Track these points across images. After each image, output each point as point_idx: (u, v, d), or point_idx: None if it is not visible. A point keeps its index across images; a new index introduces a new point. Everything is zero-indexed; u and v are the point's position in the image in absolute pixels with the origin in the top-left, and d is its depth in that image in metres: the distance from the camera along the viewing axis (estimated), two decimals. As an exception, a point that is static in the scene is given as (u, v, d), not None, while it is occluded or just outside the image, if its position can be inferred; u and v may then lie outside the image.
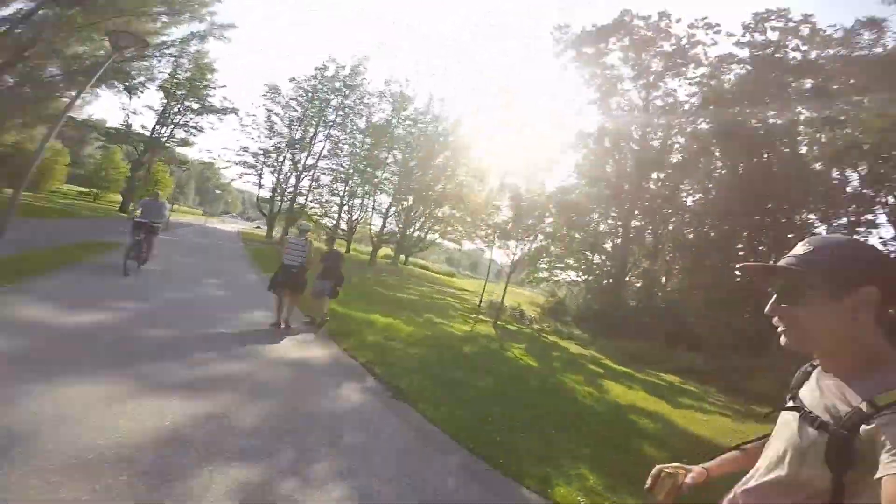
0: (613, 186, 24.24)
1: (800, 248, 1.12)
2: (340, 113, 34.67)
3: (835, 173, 20.19)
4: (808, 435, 1.05)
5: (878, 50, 17.71)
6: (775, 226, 20.24)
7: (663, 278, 23.50)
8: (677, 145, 23.78)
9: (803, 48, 19.02)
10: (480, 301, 21.64)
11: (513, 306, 22.56)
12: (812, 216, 20.48)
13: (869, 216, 19.40)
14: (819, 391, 1.11)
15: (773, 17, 19.64)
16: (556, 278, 24.01)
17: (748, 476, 1.24)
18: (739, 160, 21.10)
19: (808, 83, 18.60)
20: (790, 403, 1.19)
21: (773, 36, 19.78)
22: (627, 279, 23.41)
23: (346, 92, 34.44)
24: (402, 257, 43.54)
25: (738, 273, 1.20)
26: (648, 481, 1.43)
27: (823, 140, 20.56)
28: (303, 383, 5.68)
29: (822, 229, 19.55)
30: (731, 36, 22.00)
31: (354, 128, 35.30)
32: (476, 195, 30.89)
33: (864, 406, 0.95)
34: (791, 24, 19.14)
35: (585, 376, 10.75)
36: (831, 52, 18.40)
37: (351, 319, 10.42)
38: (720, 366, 14.41)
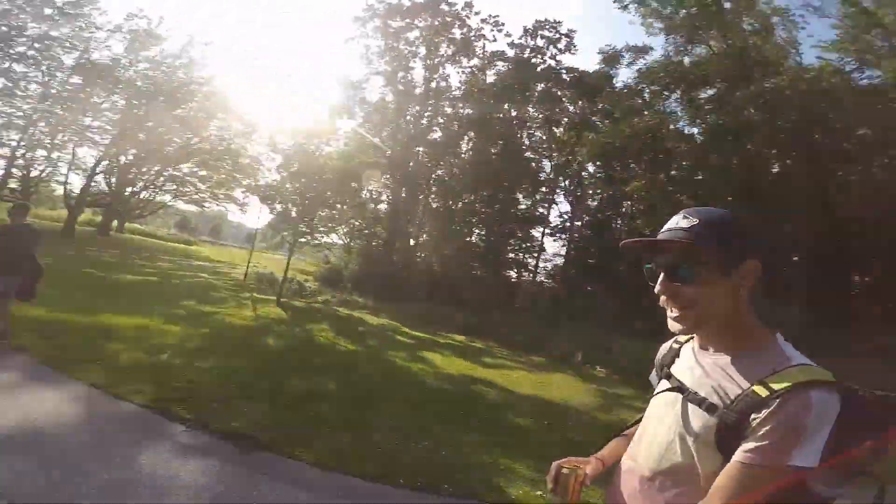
0: (385, 156, 24.50)
1: (682, 221, 1.05)
2: (38, 45, 22.30)
3: (546, 163, 26.10)
4: (696, 417, 1.00)
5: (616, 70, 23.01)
6: (500, 201, 24.60)
7: (422, 244, 25.57)
8: (441, 125, 25.84)
9: (558, 57, 23.36)
10: (246, 274, 18.40)
11: (284, 277, 20.08)
12: (520, 195, 25.81)
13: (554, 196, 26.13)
14: (701, 370, 1.07)
15: (547, 27, 23.33)
16: (329, 243, 22.83)
17: (629, 461, 1.20)
18: (487, 145, 24.57)
19: (540, 87, 23.18)
20: (666, 383, 1.15)
21: (540, 42, 23.54)
22: (398, 245, 24.49)
23: (60, 21, 22.22)
24: (115, 223, 32.70)
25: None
26: (549, 483, 1.30)
27: (539, 135, 26.15)
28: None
29: (525, 204, 25.03)
30: (509, 36, 25.10)
31: (56, 64, 23.37)
32: (237, 153, 25.65)
33: (757, 389, 0.92)
34: (556, 36, 23.23)
35: (406, 351, 10.45)
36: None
37: (73, 330, 6.75)
38: (487, 321, 16.82)
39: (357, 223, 22.84)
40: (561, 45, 23.36)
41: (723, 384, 0.99)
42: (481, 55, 24.15)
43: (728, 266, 1.02)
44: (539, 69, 23.39)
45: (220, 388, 5.54)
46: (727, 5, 14.98)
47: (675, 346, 1.25)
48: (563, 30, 23.47)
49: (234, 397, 5.27)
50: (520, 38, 23.86)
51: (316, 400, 5.70)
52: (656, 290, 1.08)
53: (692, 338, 1.18)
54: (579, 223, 25.15)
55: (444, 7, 23.61)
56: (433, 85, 25.24)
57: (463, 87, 25.16)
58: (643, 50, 18.05)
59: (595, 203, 25.92)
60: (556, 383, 10.00)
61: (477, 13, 24.14)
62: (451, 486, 3.95)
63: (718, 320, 1.04)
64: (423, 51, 24.82)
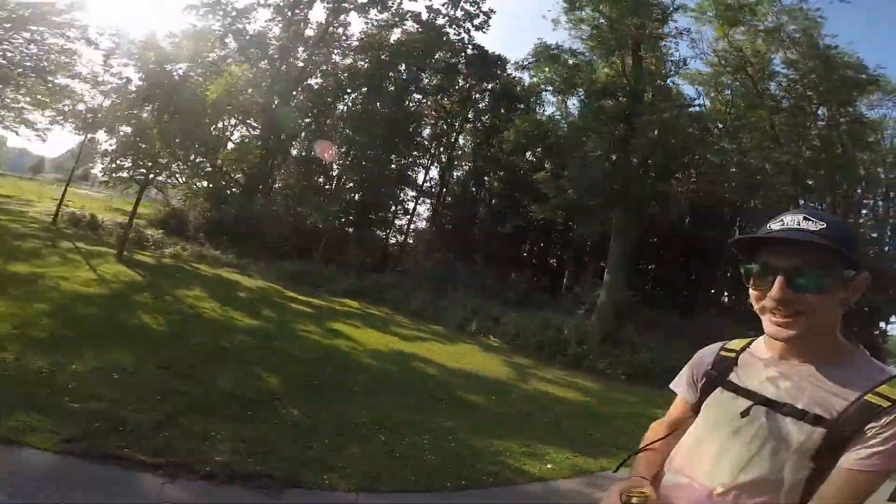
0: (255, 96, 20.88)
1: (805, 223, 0.95)
2: None
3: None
4: (796, 429, 0.95)
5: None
6: (379, 160, 23.57)
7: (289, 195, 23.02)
8: (328, 72, 23.40)
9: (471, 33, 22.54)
10: (56, 214, 13.72)
11: (100, 219, 15.43)
12: (395, 156, 25.13)
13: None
14: (789, 381, 1.00)
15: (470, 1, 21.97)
16: (175, 183, 18.55)
17: (679, 477, 1.11)
18: (375, 103, 23.17)
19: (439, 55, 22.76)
20: (729, 394, 1.08)
21: (459, 14, 22.07)
22: (259, 194, 21.32)
23: None
24: None
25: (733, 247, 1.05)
26: None
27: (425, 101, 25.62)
28: None
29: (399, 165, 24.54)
30: None
31: None
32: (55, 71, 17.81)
33: (871, 399, 0.90)
34: (476, 11, 22.22)
35: (313, 323, 9.34)
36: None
37: None
38: (373, 286, 16.14)
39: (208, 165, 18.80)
40: (477, 22, 22.60)
41: (823, 395, 0.95)
42: (393, 11, 21.83)
43: (848, 277, 0.96)
44: (446, 38, 22.42)
45: (138, 402, 3.99)
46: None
47: (726, 354, 1.16)
48: (485, 7, 22.80)
49: (173, 415, 3.87)
50: (443, 4, 22.37)
51: (286, 405, 4.67)
52: (771, 295, 0.95)
53: (747, 346, 1.13)
54: (445, 190, 25.96)
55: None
56: (330, 30, 21.87)
57: (363, 39, 22.60)
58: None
59: (461, 175, 27.15)
60: (467, 354, 10.39)
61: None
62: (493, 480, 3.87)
63: (825, 330, 0.99)
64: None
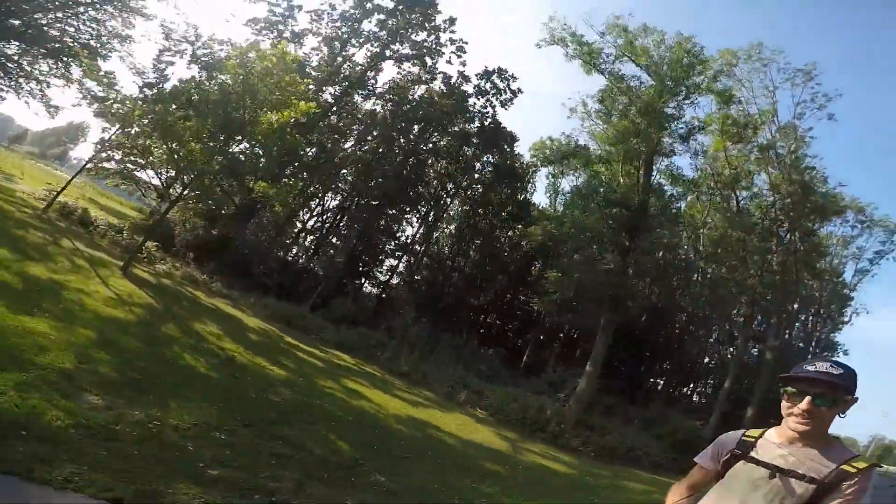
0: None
1: (830, 368, 1.51)
2: None
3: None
4: (798, 486, 1.46)
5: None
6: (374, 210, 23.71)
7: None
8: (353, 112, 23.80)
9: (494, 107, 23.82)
10: (50, 204, 12.92)
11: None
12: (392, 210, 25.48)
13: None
14: (794, 457, 1.51)
15: (502, 77, 23.32)
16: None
17: None
18: (388, 154, 23.66)
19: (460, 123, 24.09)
20: (751, 465, 1.58)
21: (487, 86, 23.48)
22: (254, 225, 20.78)
23: None
24: None
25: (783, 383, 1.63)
26: None
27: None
28: None
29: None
30: (463, 63, 23.45)
31: None
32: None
33: (845, 468, 1.43)
34: (504, 88, 23.70)
35: (331, 380, 9.27)
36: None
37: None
38: (362, 341, 15.82)
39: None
40: (503, 98, 23.83)
41: (816, 466, 1.47)
42: (429, 67, 22.78)
43: (846, 400, 1.51)
44: (469, 106, 23.61)
45: (259, 467, 4.02)
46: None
47: (747, 439, 1.67)
48: (514, 86, 23.90)
49: (300, 481, 3.93)
50: (477, 76, 23.53)
51: (368, 470, 4.86)
52: (801, 409, 1.50)
53: (762, 435, 1.66)
54: (425, 248, 26.21)
55: (417, 8, 21.45)
56: (365, 73, 22.39)
57: (391, 87, 23.32)
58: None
59: (442, 236, 27.69)
60: (466, 425, 10.77)
61: (453, 31, 22.49)
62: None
63: (823, 429, 1.53)
64: (382, 34, 21.95)
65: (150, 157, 19.89)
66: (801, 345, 21.40)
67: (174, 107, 11.44)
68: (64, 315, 6.13)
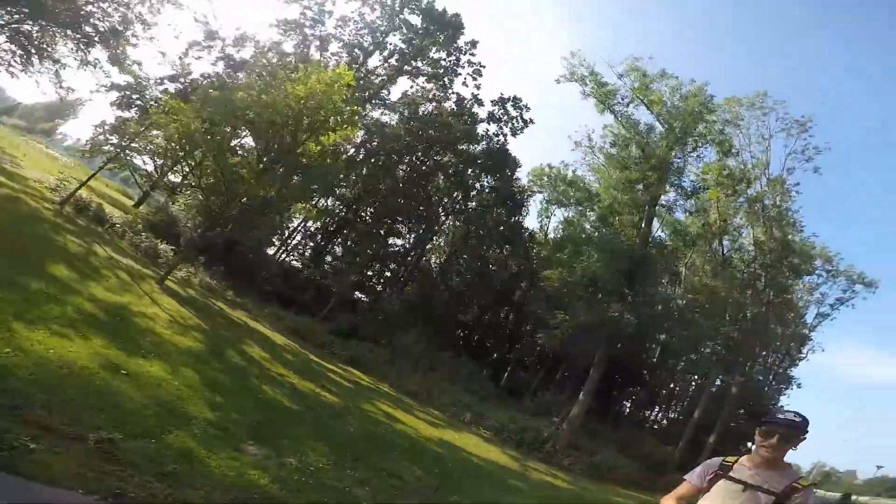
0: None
1: (795, 417, 2.15)
2: None
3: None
4: (764, 498, 2.05)
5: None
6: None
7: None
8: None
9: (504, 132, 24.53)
10: (69, 199, 12.63)
11: (109, 215, 14.06)
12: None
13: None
14: (760, 476, 2.11)
15: (516, 105, 24.02)
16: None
17: None
18: (395, 168, 24.06)
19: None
20: (730, 482, 2.17)
21: (500, 112, 24.28)
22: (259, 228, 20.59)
23: None
24: None
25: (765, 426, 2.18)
26: None
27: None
28: None
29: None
30: (477, 86, 23.78)
31: None
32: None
33: (795, 485, 2.06)
34: (516, 115, 24.55)
35: (366, 402, 9.83)
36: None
37: None
38: (371, 357, 16.21)
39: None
40: (515, 125, 24.52)
41: (776, 483, 2.07)
42: (444, 83, 23.12)
43: (801, 439, 2.17)
44: (479, 129, 24.26)
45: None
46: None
47: (727, 463, 2.28)
48: (527, 116, 24.56)
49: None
50: (492, 102, 24.10)
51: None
52: (769, 443, 2.13)
53: (737, 460, 2.26)
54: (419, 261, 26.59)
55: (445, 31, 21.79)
56: (383, 86, 22.59)
57: (403, 100, 23.65)
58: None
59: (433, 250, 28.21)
60: (480, 445, 11.90)
61: (473, 54, 23.07)
62: None
63: (782, 457, 2.16)
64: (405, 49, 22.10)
65: (149, 145, 19.56)
66: (760, 378, 23.53)
67: (228, 128, 11.25)
68: (157, 350, 6.32)
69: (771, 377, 24.31)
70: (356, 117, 12.30)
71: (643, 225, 17.31)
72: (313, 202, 15.84)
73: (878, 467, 38.45)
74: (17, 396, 3.27)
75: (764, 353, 23.29)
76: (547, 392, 20.72)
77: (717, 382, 23.67)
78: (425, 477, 6.29)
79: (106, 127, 16.85)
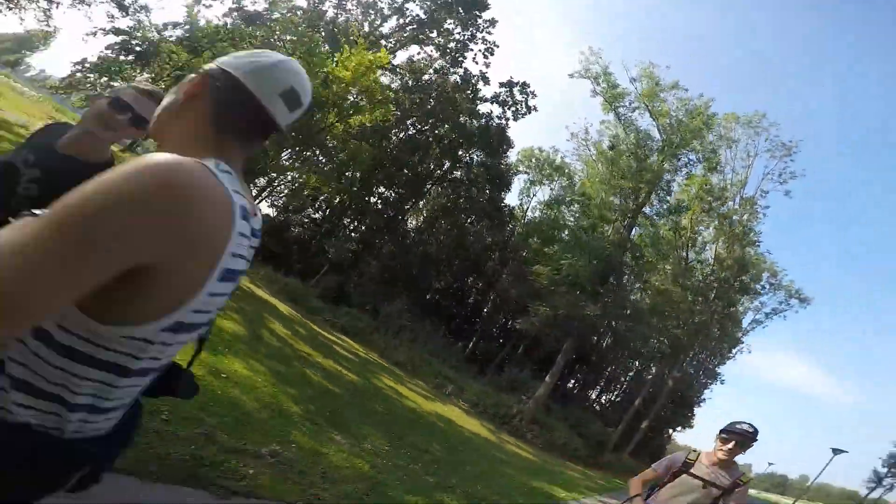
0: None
1: (746, 427, 2.65)
2: None
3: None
4: (715, 490, 2.58)
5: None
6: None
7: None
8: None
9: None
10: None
11: None
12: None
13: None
14: (715, 474, 2.63)
15: (522, 90, 23.78)
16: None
17: None
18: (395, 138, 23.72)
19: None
20: (689, 477, 2.67)
21: (506, 96, 23.93)
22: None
23: None
24: None
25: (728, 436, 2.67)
26: None
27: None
28: None
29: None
30: (488, 65, 23.50)
31: None
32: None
33: (738, 480, 2.59)
34: (521, 100, 24.24)
35: (375, 378, 10.63)
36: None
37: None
38: (355, 323, 16.81)
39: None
40: (518, 110, 24.47)
41: (725, 479, 2.60)
42: (450, 57, 22.49)
43: (750, 447, 2.70)
44: (482, 110, 24.27)
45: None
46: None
47: (689, 459, 2.75)
48: (532, 102, 24.47)
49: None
50: (501, 84, 23.83)
51: (456, 462, 7.01)
52: (727, 448, 2.65)
53: (697, 458, 2.74)
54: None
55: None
56: (394, 52, 21.49)
57: (408, 64, 22.98)
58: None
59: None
60: (463, 417, 13.27)
61: (489, 32, 22.46)
62: None
63: (735, 459, 2.67)
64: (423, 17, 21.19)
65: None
66: (692, 372, 26.78)
67: None
68: (218, 342, 6.60)
69: (701, 372, 27.76)
70: (389, 96, 12.24)
71: (623, 230, 18.73)
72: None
73: (770, 464, 40.93)
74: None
75: (700, 351, 26.38)
76: (511, 365, 22.55)
77: (653, 372, 26.76)
78: (442, 451, 7.23)
79: (87, 65, 15.44)
